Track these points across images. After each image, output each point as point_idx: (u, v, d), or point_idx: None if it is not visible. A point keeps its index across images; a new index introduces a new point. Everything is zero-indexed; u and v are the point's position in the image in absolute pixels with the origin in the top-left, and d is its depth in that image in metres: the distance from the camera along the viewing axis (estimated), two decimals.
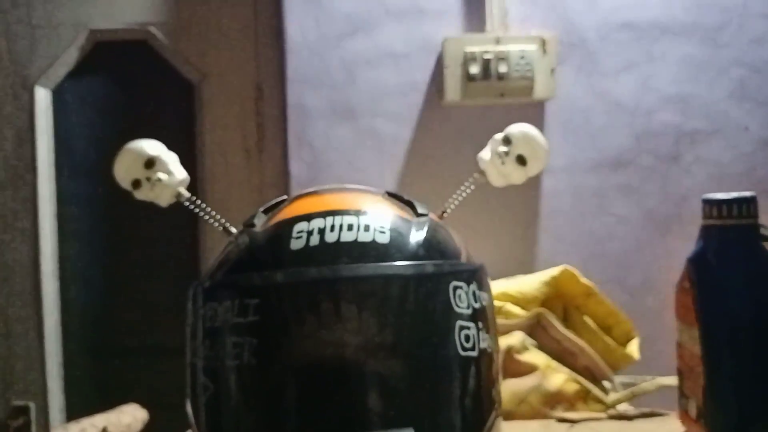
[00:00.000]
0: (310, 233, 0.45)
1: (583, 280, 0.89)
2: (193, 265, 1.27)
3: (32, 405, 1.29)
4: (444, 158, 1.14)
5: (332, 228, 0.45)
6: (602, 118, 1.17)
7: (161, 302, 1.29)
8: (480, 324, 0.46)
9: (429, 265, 0.45)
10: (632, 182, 1.17)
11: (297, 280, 0.43)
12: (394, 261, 0.44)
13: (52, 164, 1.29)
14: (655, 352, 0.92)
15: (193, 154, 1.23)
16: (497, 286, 0.88)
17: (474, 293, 0.46)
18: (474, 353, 0.45)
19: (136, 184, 0.54)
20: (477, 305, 0.46)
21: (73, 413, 1.26)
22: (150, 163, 0.54)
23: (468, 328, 0.45)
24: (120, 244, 1.34)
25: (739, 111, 1.17)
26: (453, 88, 1.12)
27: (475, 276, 0.47)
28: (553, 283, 0.87)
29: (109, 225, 1.34)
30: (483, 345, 0.46)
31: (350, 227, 0.45)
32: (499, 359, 0.73)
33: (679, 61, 1.17)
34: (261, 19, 1.26)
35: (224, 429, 0.44)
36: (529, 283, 0.87)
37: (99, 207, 1.33)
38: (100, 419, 0.84)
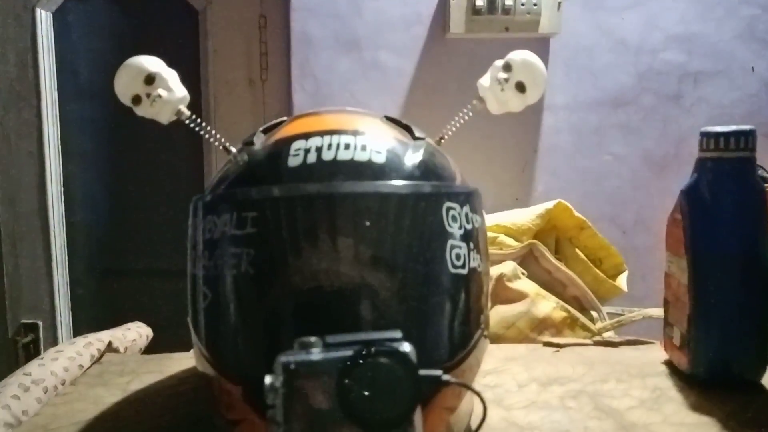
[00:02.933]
0: (307, 151, 0.46)
1: (577, 214, 0.90)
2: (197, 189, 1.29)
3: (40, 323, 1.33)
4: (447, 91, 1.14)
5: (329, 147, 0.46)
6: (606, 56, 1.16)
7: (165, 225, 1.31)
8: (471, 245, 0.47)
9: (423, 185, 0.46)
10: (632, 121, 1.17)
11: (293, 195, 0.44)
12: (390, 180, 0.45)
13: (55, 87, 1.29)
14: (645, 288, 0.94)
15: (197, 83, 1.22)
16: (492, 219, 0.90)
17: (467, 215, 0.47)
18: (464, 271, 0.46)
19: (136, 99, 0.54)
20: (469, 226, 0.47)
21: (80, 331, 1.31)
22: (150, 79, 0.54)
23: (459, 247, 0.46)
24: (124, 167, 1.35)
25: (746, 51, 1.16)
26: (458, 21, 1.11)
27: (469, 198, 0.48)
28: (547, 216, 0.88)
29: (114, 148, 1.35)
30: (473, 264, 0.47)
31: (347, 146, 0.46)
32: (490, 283, 0.75)
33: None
34: None
35: (222, 334, 0.45)
36: (524, 216, 0.89)
37: (103, 130, 1.33)
38: (105, 334, 0.87)
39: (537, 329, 0.77)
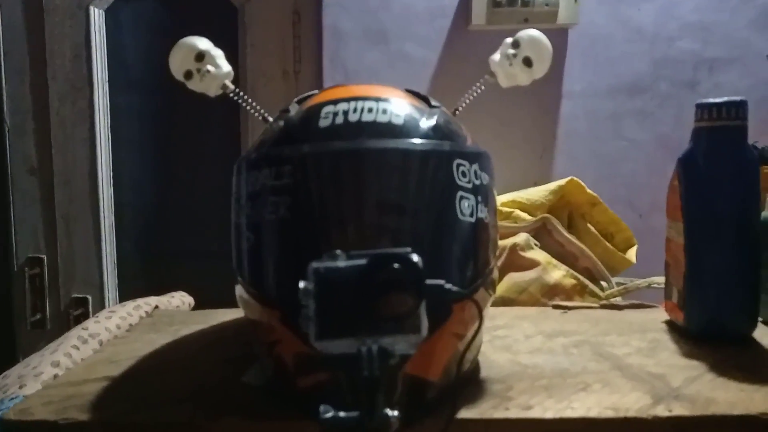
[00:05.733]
0: (335, 114, 0.52)
1: (589, 190, 0.95)
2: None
3: (90, 297, 1.43)
4: (469, 80, 1.17)
5: (355, 110, 0.52)
6: (622, 45, 1.21)
7: (206, 209, 1.40)
8: (479, 198, 0.53)
9: (436, 143, 0.52)
10: (648, 108, 1.21)
11: (323, 151, 0.51)
12: (406, 139, 0.52)
13: (106, 79, 1.38)
14: (658, 270, 0.98)
15: (235, 74, 1.30)
16: (508, 196, 0.95)
17: (476, 172, 0.53)
18: (472, 219, 0.52)
19: (188, 75, 0.61)
20: (477, 182, 0.53)
21: None
22: (200, 56, 0.61)
23: (467, 198, 0.52)
24: (169, 153, 1.43)
25: (761, 39, 1.19)
26: (479, 14, 1.17)
27: (478, 158, 0.54)
28: (560, 192, 0.93)
29: (159, 135, 1.43)
30: (481, 215, 0.52)
31: (370, 110, 0.52)
32: (504, 253, 0.80)
33: None
34: None
35: (263, 269, 0.52)
36: (537, 192, 0.94)
37: (150, 118, 1.42)
38: (152, 299, 0.94)
39: (548, 295, 0.82)
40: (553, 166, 1.23)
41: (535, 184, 1.17)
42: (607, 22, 1.20)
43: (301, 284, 0.39)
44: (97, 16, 1.35)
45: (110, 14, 1.37)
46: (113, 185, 1.42)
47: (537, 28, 1.19)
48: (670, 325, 0.70)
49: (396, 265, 0.38)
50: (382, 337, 0.37)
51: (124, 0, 1.36)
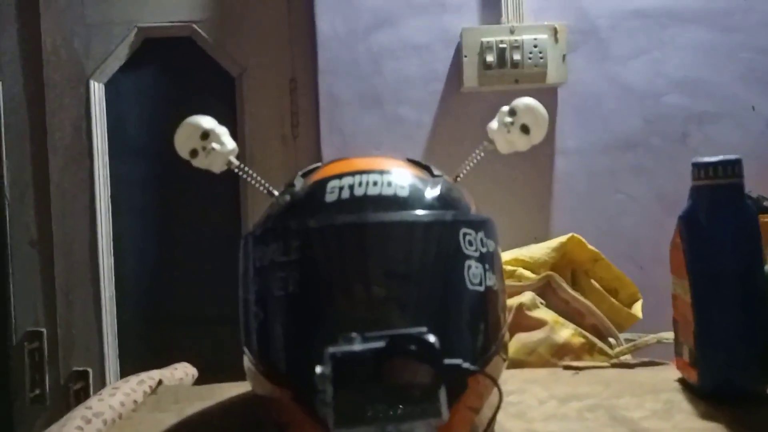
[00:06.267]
0: (341, 188, 0.53)
1: (590, 246, 0.95)
2: (236, 240, 1.37)
3: (90, 370, 1.40)
4: (463, 141, 1.22)
5: (360, 184, 0.53)
6: (613, 102, 1.24)
7: (207, 275, 1.39)
8: (487, 266, 0.53)
9: (442, 214, 0.53)
10: (642, 163, 1.23)
11: (332, 224, 0.51)
12: (412, 211, 0.53)
13: (106, 150, 1.40)
14: (663, 322, 0.98)
15: (234, 140, 1.32)
16: (510, 254, 0.95)
17: (482, 239, 0.54)
18: (481, 288, 0.52)
19: (194, 153, 0.63)
20: (484, 250, 0.53)
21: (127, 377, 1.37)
22: (205, 135, 0.62)
23: (475, 267, 0.52)
24: (170, 222, 1.44)
25: (747, 93, 1.23)
26: (471, 76, 1.20)
27: (483, 226, 0.54)
28: (562, 249, 0.94)
29: (160, 203, 1.44)
30: (489, 283, 0.53)
31: (375, 183, 0.53)
32: (510, 313, 0.80)
33: (689, 47, 1.23)
34: (294, 16, 1.35)
35: (273, 347, 0.52)
36: (540, 249, 0.94)
37: (151, 187, 1.42)
38: (155, 373, 0.92)
39: (557, 354, 0.82)
40: (551, 223, 1.24)
41: (536, 240, 1.18)
42: (595, 80, 1.24)
43: (318, 369, 0.39)
44: (97, 89, 1.38)
45: (110, 86, 1.39)
46: (113, 254, 1.42)
47: (527, 88, 1.24)
48: (683, 383, 0.69)
49: (413, 347, 0.38)
50: (403, 422, 0.37)
51: (123, 72, 1.39)
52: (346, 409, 0.38)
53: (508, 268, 0.92)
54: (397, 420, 0.37)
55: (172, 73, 1.43)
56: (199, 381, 0.92)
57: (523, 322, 0.84)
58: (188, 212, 1.42)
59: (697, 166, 0.67)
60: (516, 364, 0.81)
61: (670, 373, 0.73)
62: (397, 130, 1.25)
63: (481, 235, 0.54)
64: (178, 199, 1.41)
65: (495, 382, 0.44)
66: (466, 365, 0.40)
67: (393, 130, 1.25)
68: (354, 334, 0.40)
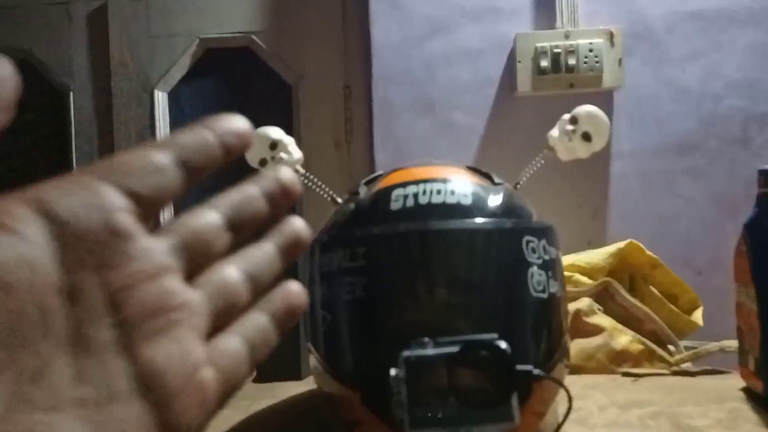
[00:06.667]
0: (406, 197, 0.55)
1: (648, 252, 0.94)
2: None
3: None
4: (516, 146, 1.22)
5: (424, 192, 0.55)
6: (669, 105, 1.22)
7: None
8: (549, 273, 0.54)
9: (505, 222, 0.54)
10: (699, 165, 1.21)
11: (397, 232, 0.53)
12: (476, 218, 0.54)
13: None
14: (725, 328, 0.96)
15: None
16: (567, 259, 0.95)
17: (544, 247, 0.55)
18: (544, 295, 0.53)
19: (263, 162, 0.66)
20: (546, 257, 0.54)
21: None
22: (274, 145, 0.66)
23: (539, 274, 0.53)
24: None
25: None
26: (524, 81, 1.20)
27: (545, 233, 0.56)
28: (620, 255, 0.93)
29: None
30: (552, 290, 0.54)
31: (439, 192, 0.55)
32: (567, 306, 0.80)
33: (746, 48, 1.21)
34: (349, 25, 1.38)
35: (341, 348, 0.54)
36: (597, 255, 0.94)
37: (212, 193, 1.48)
38: None
39: (615, 361, 0.82)
40: (606, 227, 1.23)
41: (589, 245, 1.17)
42: (652, 83, 1.22)
43: (392, 371, 0.40)
44: (161, 99, 1.43)
45: (173, 96, 1.45)
46: None
47: (582, 93, 1.23)
48: (749, 393, 0.69)
49: (484, 353, 0.39)
50: (475, 425, 0.38)
51: (185, 82, 1.44)
52: (420, 412, 0.39)
53: (566, 273, 0.92)
54: (470, 423, 0.38)
55: (231, 82, 1.47)
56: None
57: (581, 327, 0.84)
58: None
59: (764, 174, 0.66)
60: (574, 369, 0.81)
61: (733, 382, 0.72)
62: (449, 136, 1.26)
63: (543, 242, 0.55)
64: None
65: (565, 388, 0.44)
66: (537, 371, 0.41)
67: (446, 135, 1.26)
68: (426, 339, 0.41)
